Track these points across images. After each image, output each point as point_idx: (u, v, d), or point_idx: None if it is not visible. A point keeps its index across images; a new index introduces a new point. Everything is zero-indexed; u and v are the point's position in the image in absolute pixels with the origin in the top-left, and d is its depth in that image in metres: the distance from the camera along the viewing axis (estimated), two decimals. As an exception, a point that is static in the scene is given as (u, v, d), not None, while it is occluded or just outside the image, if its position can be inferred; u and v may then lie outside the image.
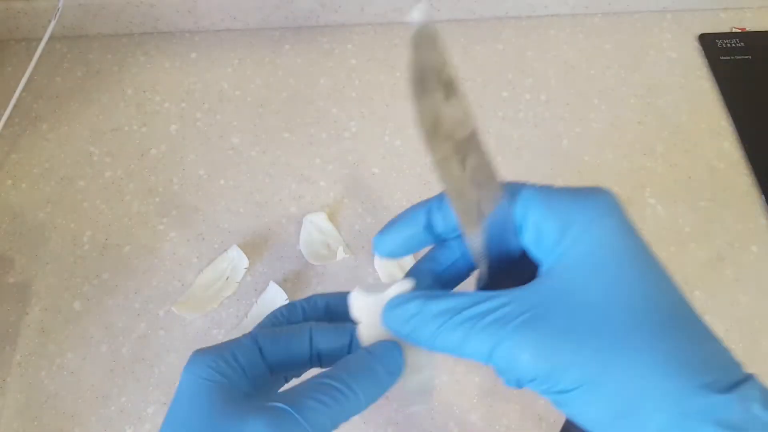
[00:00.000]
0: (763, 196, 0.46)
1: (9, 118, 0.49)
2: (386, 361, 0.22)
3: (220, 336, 0.40)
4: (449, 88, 0.19)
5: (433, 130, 0.19)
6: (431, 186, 0.46)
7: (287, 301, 0.40)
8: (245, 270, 0.42)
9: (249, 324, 0.40)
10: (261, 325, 0.25)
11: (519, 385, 0.19)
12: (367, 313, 0.23)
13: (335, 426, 0.20)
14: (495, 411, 0.38)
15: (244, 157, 0.48)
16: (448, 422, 0.38)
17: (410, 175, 0.47)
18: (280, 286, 0.41)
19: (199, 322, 0.41)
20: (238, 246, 0.43)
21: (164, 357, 0.40)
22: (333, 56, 0.53)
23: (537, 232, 0.21)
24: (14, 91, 0.49)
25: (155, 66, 0.53)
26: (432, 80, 0.18)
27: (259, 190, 0.47)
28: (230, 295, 0.42)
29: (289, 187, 0.47)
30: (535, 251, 0.21)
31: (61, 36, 0.54)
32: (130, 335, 0.41)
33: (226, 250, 0.43)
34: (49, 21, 0.49)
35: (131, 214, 0.45)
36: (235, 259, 0.42)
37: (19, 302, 0.42)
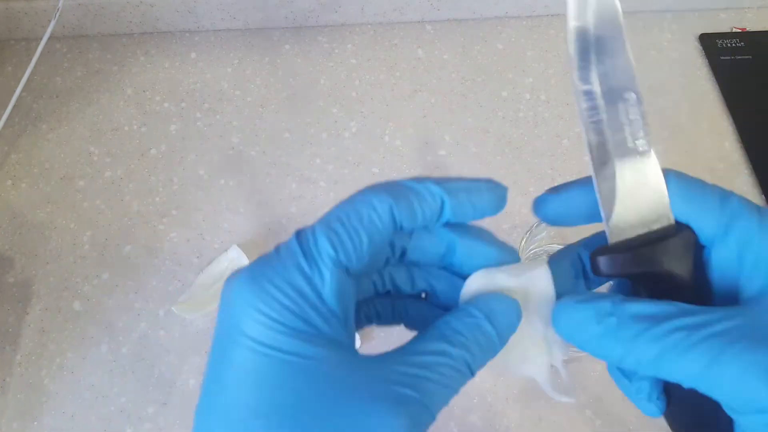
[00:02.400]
0: (763, 196, 0.46)
1: (9, 117, 0.49)
2: (500, 323, 0.18)
3: (220, 336, 0.40)
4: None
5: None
6: (431, 186, 0.46)
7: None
8: (245, 270, 0.42)
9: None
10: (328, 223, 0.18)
11: (737, 413, 0.16)
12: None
13: (442, 409, 0.17)
14: (495, 411, 0.38)
15: (244, 156, 0.48)
16: (448, 422, 0.38)
17: (410, 175, 0.47)
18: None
19: (199, 322, 0.41)
20: (238, 246, 0.43)
21: (164, 357, 0.40)
22: (333, 56, 0.53)
23: (746, 258, 0.18)
24: (14, 91, 0.49)
25: (155, 66, 0.53)
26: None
27: (259, 190, 0.47)
28: (230, 295, 0.42)
29: (289, 187, 0.47)
30: (731, 273, 0.18)
31: (60, 36, 0.54)
32: (130, 335, 0.41)
33: (226, 250, 0.43)
34: (49, 21, 0.49)
35: (131, 213, 0.45)
36: (235, 259, 0.42)
37: (19, 302, 0.42)
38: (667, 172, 0.19)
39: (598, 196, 0.19)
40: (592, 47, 0.21)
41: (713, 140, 0.49)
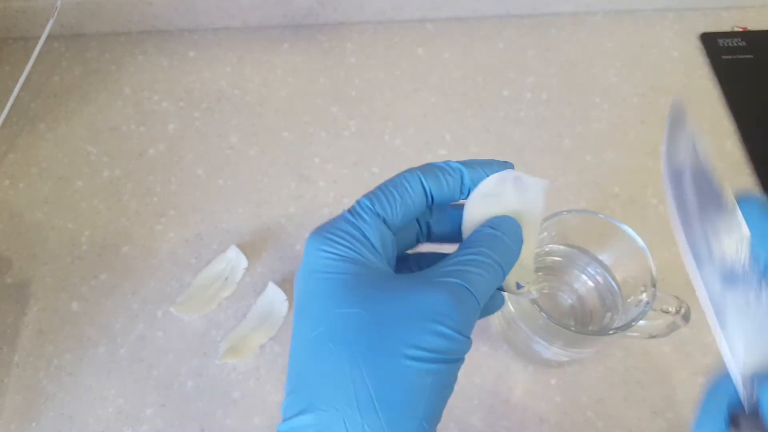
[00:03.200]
0: (764, 196, 0.46)
1: (7, 117, 0.49)
2: (511, 233, 0.22)
3: (218, 337, 0.40)
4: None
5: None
6: (431, 186, 0.46)
7: (286, 302, 0.40)
8: (244, 270, 0.42)
9: (249, 323, 0.40)
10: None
11: None
12: (482, 208, 0.23)
13: (486, 299, 0.21)
14: (495, 413, 0.38)
15: (242, 156, 0.48)
16: (448, 423, 0.38)
17: (410, 174, 0.47)
18: (279, 286, 0.41)
19: (198, 322, 0.41)
20: (237, 246, 0.42)
21: (162, 358, 0.40)
22: (332, 55, 0.53)
23: None
24: (12, 91, 0.49)
25: (153, 65, 0.53)
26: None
27: (258, 189, 0.46)
28: (229, 296, 0.41)
29: (288, 187, 0.46)
30: None
31: (59, 35, 0.53)
32: (128, 336, 0.40)
33: (224, 250, 0.43)
34: (47, 20, 0.49)
35: (129, 214, 0.45)
36: (234, 260, 0.42)
37: (17, 303, 0.42)
38: None
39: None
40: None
41: (714, 140, 0.49)
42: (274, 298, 0.40)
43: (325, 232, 0.22)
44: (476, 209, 0.23)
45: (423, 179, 0.23)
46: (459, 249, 0.22)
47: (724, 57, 0.53)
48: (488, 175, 0.23)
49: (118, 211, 0.45)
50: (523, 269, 0.24)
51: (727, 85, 0.51)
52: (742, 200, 0.21)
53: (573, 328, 0.33)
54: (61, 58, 0.53)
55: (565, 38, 0.54)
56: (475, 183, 0.23)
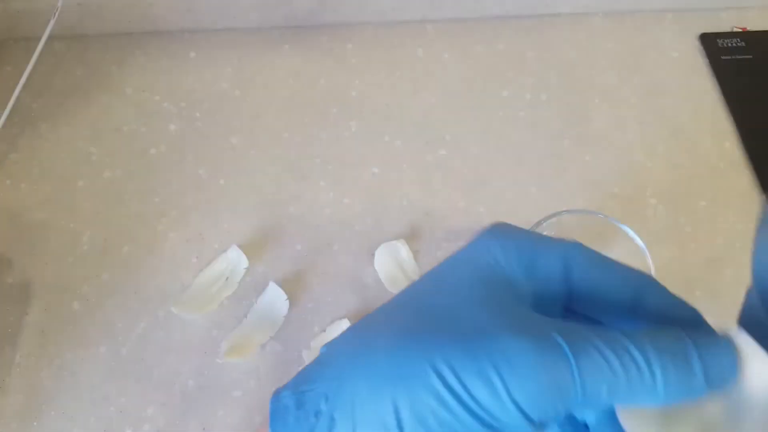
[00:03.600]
0: (763, 196, 0.46)
1: (8, 117, 0.49)
2: (709, 359, 0.16)
3: (219, 336, 0.40)
4: None
5: None
6: (431, 186, 0.46)
7: (287, 302, 0.40)
8: (245, 270, 0.42)
9: (250, 322, 0.40)
10: None
11: None
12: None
13: (610, 401, 0.15)
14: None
15: (243, 156, 0.48)
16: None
17: (410, 175, 0.47)
18: (280, 286, 0.41)
19: (199, 322, 0.41)
20: (238, 246, 0.42)
21: (164, 357, 0.40)
22: (332, 56, 0.53)
23: None
24: (13, 91, 0.49)
25: (154, 65, 0.53)
26: None
27: (258, 190, 0.46)
28: (230, 296, 0.42)
29: (289, 187, 0.46)
30: None
31: (60, 35, 0.54)
32: (129, 336, 0.41)
33: (225, 250, 0.43)
34: (48, 20, 0.49)
35: (130, 214, 0.45)
36: (235, 260, 0.42)
37: (18, 303, 0.42)
38: None
39: None
40: None
41: (714, 140, 0.49)
42: (275, 297, 0.41)
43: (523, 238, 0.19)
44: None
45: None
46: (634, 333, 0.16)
47: (723, 57, 0.53)
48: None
49: (120, 211, 0.45)
50: None
51: (726, 86, 0.51)
52: None
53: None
54: (62, 59, 0.53)
55: (565, 39, 0.54)
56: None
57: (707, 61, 0.53)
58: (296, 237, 0.44)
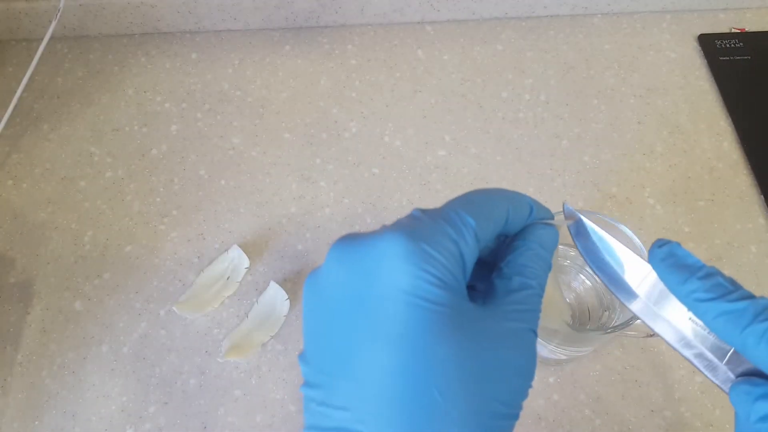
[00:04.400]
0: (762, 196, 0.46)
1: (10, 118, 0.49)
2: (550, 248, 0.23)
3: (220, 336, 0.41)
4: None
5: None
6: (431, 186, 0.46)
7: (287, 301, 0.40)
8: (246, 270, 0.42)
9: (251, 322, 0.41)
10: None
11: None
12: None
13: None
14: (494, 410, 0.38)
15: (244, 157, 0.48)
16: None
17: (410, 175, 0.47)
18: (281, 285, 0.41)
19: (200, 321, 0.41)
20: (239, 246, 0.43)
21: (165, 357, 0.40)
22: (333, 57, 0.53)
23: None
24: (15, 92, 0.49)
25: (156, 66, 0.53)
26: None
27: (259, 190, 0.47)
28: (231, 295, 0.42)
29: (290, 187, 0.47)
30: None
31: (61, 36, 0.54)
32: (130, 335, 0.41)
33: (226, 250, 0.43)
34: (50, 21, 0.49)
35: (132, 214, 0.46)
36: (236, 259, 0.42)
37: (20, 302, 0.42)
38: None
39: None
40: None
41: (712, 140, 0.49)
42: (276, 296, 0.41)
43: (427, 245, 0.18)
44: None
45: (511, 207, 0.21)
46: (510, 270, 0.21)
47: (721, 58, 0.53)
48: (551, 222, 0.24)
49: (121, 211, 0.46)
50: (560, 305, 0.25)
51: (724, 86, 0.52)
52: (651, 254, 0.22)
53: (571, 327, 0.33)
54: (64, 60, 0.53)
55: (564, 40, 0.55)
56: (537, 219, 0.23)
57: (705, 61, 0.53)
58: (297, 237, 0.44)
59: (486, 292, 0.22)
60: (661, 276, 0.21)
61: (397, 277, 0.17)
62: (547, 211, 0.24)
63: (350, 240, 0.19)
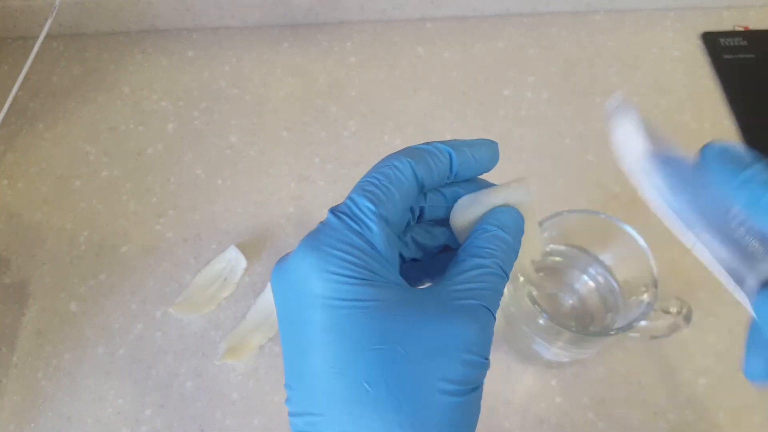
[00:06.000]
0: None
1: (5, 117, 0.48)
2: (514, 229, 0.22)
3: (217, 337, 0.40)
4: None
5: None
6: (431, 185, 0.46)
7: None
8: (243, 271, 0.42)
9: (248, 324, 0.40)
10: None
11: None
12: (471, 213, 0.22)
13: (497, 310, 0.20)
14: (496, 413, 0.38)
15: (242, 156, 0.48)
16: (448, 425, 0.37)
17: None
18: (279, 287, 0.40)
19: (197, 323, 0.41)
20: (236, 246, 0.42)
21: (161, 358, 0.39)
22: (332, 54, 0.53)
23: None
24: (11, 90, 0.49)
25: (152, 64, 0.52)
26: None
27: (257, 189, 0.46)
28: (228, 296, 0.41)
29: (288, 187, 0.46)
30: None
31: (57, 34, 0.53)
32: (126, 336, 0.40)
33: (223, 250, 0.43)
34: (46, 19, 0.49)
35: (128, 214, 0.45)
36: (233, 260, 0.42)
37: (16, 303, 0.41)
38: None
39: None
40: None
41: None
42: (236, 261, 0.40)
43: (326, 247, 0.18)
44: (468, 204, 0.23)
45: (414, 167, 0.20)
46: (465, 254, 0.21)
47: (725, 56, 0.53)
48: (476, 159, 0.22)
49: (117, 211, 0.45)
50: (530, 246, 0.23)
51: (728, 85, 0.51)
52: (701, 156, 0.21)
53: (574, 329, 0.33)
54: (59, 58, 0.53)
55: (566, 37, 0.54)
56: (463, 167, 0.22)
57: (709, 60, 0.53)
58: (295, 237, 0.44)
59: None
60: (717, 170, 0.20)
61: (311, 285, 0.18)
62: (484, 147, 0.22)
63: (280, 262, 0.20)
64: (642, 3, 0.55)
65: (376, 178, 0.20)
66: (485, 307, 0.19)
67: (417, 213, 0.22)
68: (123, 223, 0.45)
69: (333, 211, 0.20)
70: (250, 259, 0.42)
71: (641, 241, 0.33)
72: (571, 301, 0.39)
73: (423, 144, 0.21)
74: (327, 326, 0.18)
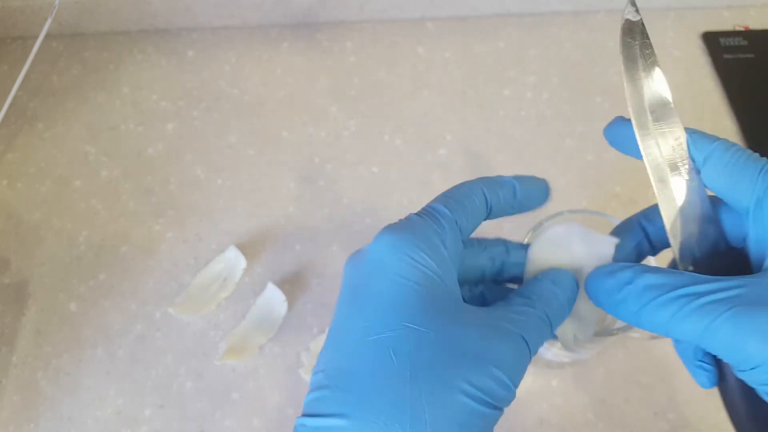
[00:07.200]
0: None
1: (5, 116, 0.48)
2: (566, 290, 0.23)
3: (217, 338, 0.40)
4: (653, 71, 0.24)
5: (640, 108, 0.24)
6: (431, 186, 0.46)
7: (285, 303, 0.40)
8: (243, 271, 0.42)
9: (248, 324, 0.40)
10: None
11: (739, 371, 0.19)
12: (544, 256, 0.24)
13: (536, 352, 0.21)
14: (496, 414, 0.38)
15: (241, 156, 0.48)
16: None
17: (410, 174, 0.47)
18: (279, 287, 0.40)
19: (197, 323, 0.41)
20: (236, 246, 0.42)
21: (161, 359, 0.39)
22: (332, 54, 0.53)
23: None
24: (10, 90, 0.49)
25: (152, 64, 0.52)
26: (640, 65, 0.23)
27: (257, 189, 0.46)
28: (228, 297, 0.41)
29: (288, 187, 0.46)
30: (763, 242, 0.21)
31: (57, 34, 0.53)
32: (126, 337, 0.40)
33: (223, 250, 0.42)
34: (45, 19, 0.49)
35: (127, 214, 0.45)
36: (233, 260, 0.42)
37: (15, 303, 0.41)
38: (712, 144, 0.22)
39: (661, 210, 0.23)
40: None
41: (716, 139, 0.48)
42: (273, 298, 0.40)
43: (409, 235, 0.21)
44: (541, 254, 0.24)
45: (483, 189, 0.23)
46: (519, 294, 0.22)
47: (725, 56, 0.52)
48: (535, 192, 0.24)
49: (117, 211, 0.45)
50: (581, 323, 0.24)
51: (729, 85, 0.51)
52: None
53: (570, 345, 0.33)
54: (59, 58, 0.53)
55: (566, 37, 0.54)
56: (525, 197, 0.24)
57: (709, 59, 0.53)
58: (295, 237, 0.44)
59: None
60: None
61: (387, 261, 0.20)
62: (539, 184, 0.25)
63: (355, 252, 0.22)
64: (642, 3, 0.55)
65: (451, 193, 0.23)
66: (525, 340, 0.20)
67: (497, 268, 0.25)
68: (123, 223, 0.45)
69: (420, 212, 0.22)
70: (250, 260, 0.42)
71: (641, 241, 0.33)
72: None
73: (490, 176, 0.24)
74: (383, 295, 0.20)
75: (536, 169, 0.47)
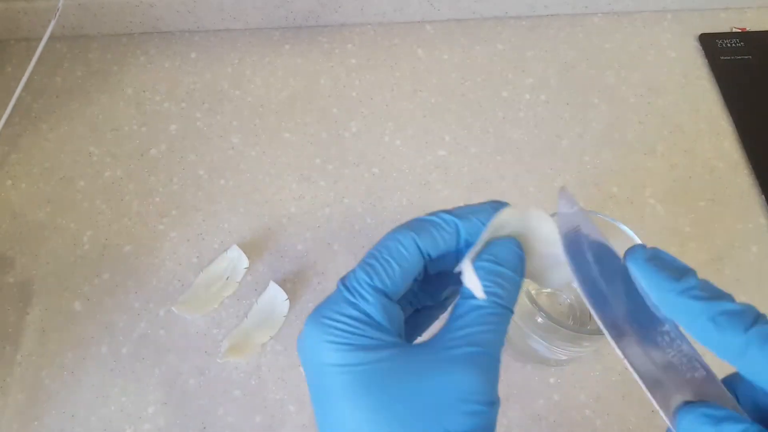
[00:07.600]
0: (763, 196, 0.46)
1: (9, 117, 0.49)
2: (511, 261, 0.21)
3: (219, 336, 0.41)
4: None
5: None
6: (431, 186, 0.46)
7: (287, 301, 0.40)
8: (245, 270, 0.42)
9: (250, 322, 0.41)
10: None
11: None
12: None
13: (502, 348, 0.21)
14: (495, 411, 0.38)
15: (244, 156, 0.48)
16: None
17: (410, 175, 0.47)
18: (281, 286, 0.41)
19: (200, 322, 0.41)
20: (238, 246, 0.43)
21: (164, 357, 0.40)
22: (333, 56, 0.53)
23: None
24: (14, 91, 0.49)
25: (155, 66, 0.53)
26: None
27: (259, 189, 0.47)
28: (230, 295, 0.42)
29: (290, 187, 0.47)
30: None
31: (61, 36, 0.54)
32: (130, 335, 0.41)
33: (226, 250, 0.43)
34: (49, 21, 0.49)
35: (131, 214, 0.45)
36: (235, 259, 0.42)
37: (20, 302, 0.42)
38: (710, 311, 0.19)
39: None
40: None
41: (713, 140, 0.49)
42: (276, 297, 0.41)
43: (325, 319, 0.20)
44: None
45: (418, 241, 0.21)
46: (462, 297, 0.21)
47: (722, 58, 0.53)
48: (484, 224, 0.22)
49: (120, 211, 0.46)
50: (537, 279, 0.23)
51: (725, 86, 0.51)
52: (629, 256, 0.21)
53: (571, 327, 0.33)
54: (63, 59, 0.53)
55: (564, 39, 0.55)
56: (470, 234, 0.22)
57: (706, 61, 0.53)
58: (296, 237, 0.44)
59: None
60: (645, 276, 0.20)
61: (319, 355, 0.20)
62: (487, 211, 0.22)
63: (299, 336, 0.21)
64: (639, 5, 0.56)
65: (378, 251, 0.21)
66: (486, 352, 0.19)
67: (423, 269, 0.23)
68: (126, 223, 0.45)
69: (339, 282, 0.21)
70: (252, 259, 0.43)
71: (637, 240, 0.33)
72: (568, 300, 0.40)
73: (429, 215, 0.22)
74: (332, 391, 0.19)
75: (534, 169, 0.47)
